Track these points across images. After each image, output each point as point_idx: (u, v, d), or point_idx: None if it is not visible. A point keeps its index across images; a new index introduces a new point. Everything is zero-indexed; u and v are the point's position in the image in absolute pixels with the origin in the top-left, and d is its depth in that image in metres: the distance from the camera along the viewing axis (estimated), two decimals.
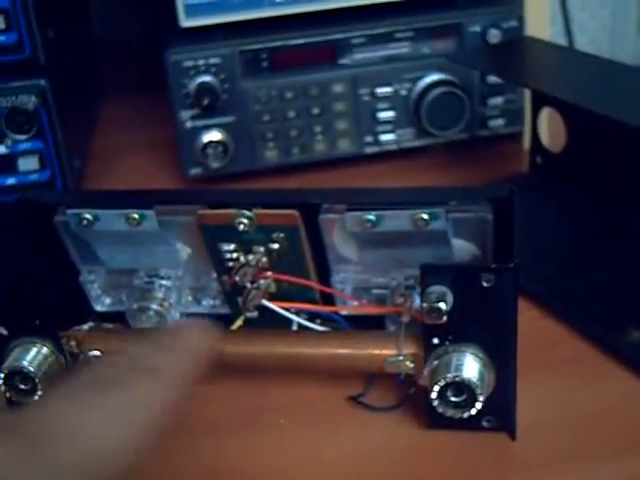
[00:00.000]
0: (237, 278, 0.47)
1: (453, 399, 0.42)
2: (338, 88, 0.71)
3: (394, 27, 0.71)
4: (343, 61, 0.71)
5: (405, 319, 0.44)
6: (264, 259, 0.47)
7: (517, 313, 0.41)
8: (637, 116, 0.52)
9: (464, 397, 0.42)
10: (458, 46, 0.71)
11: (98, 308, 0.51)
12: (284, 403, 0.48)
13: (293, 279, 0.47)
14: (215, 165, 0.71)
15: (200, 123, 0.70)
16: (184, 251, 0.48)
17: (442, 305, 0.41)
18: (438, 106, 0.71)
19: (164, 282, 0.49)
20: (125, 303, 0.50)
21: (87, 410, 0.36)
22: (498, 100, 0.73)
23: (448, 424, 0.44)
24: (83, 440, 0.34)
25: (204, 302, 0.50)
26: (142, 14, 1.00)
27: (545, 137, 0.68)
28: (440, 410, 0.43)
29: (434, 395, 0.42)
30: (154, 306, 0.48)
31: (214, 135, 0.70)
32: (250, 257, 0.47)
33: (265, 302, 0.47)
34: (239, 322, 0.48)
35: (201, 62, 0.68)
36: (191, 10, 0.69)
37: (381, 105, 0.72)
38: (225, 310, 0.50)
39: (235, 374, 0.49)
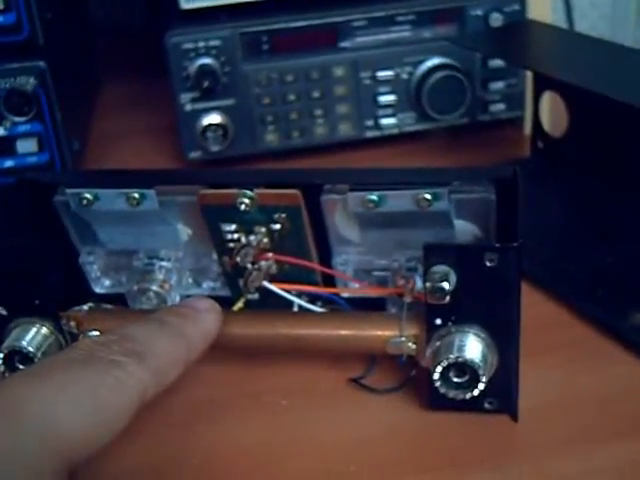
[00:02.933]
0: (238, 259, 0.46)
1: (455, 380, 0.42)
2: (339, 71, 0.71)
3: (395, 10, 0.70)
4: (344, 44, 0.71)
5: (407, 300, 0.44)
6: (265, 240, 0.46)
7: (520, 293, 0.41)
8: None
9: (466, 378, 0.42)
10: (460, 30, 0.71)
11: (97, 290, 0.50)
12: (285, 385, 0.48)
13: (294, 260, 0.47)
14: (215, 148, 0.70)
15: (200, 106, 0.70)
16: (185, 232, 0.48)
17: (445, 285, 0.41)
18: (439, 90, 0.70)
19: (164, 264, 0.49)
20: (125, 285, 0.49)
21: (61, 388, 0.35)
22: (499, 84, 0.73)
23: (450, 405, 0.43)
24: (50, 422, 0.34)
25: (204, 284, 0.50)
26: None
27: (546, 122, 0.67)
28: (442, 391, 0.42)
29: (436, 376, 0.42)
30: (154, 288, 0.48)
31: (214, 118, 0.70)
32: (251, 238, 0.46)
33: (266, 283, 0.47)
34: (240, 304, 0.47)
35: (201, 44, 0.68)
36: None
37: (382, 89, 0.71)
38: (226, 292, 0.49)
39: (235, 356, 0.49)
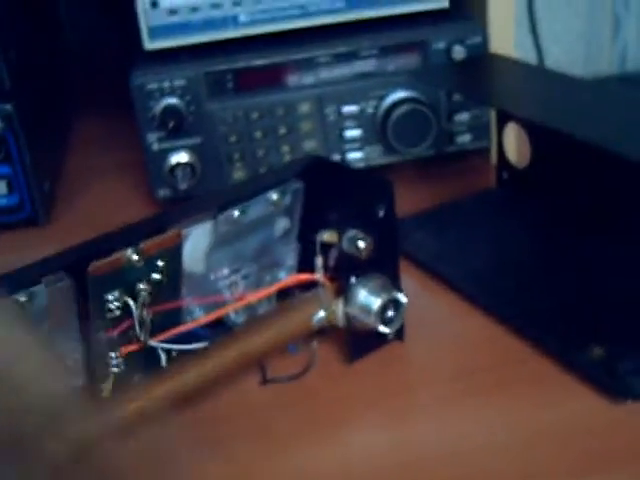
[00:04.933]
0: (124, 327, 0.46)
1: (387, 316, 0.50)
2: (304, 108, 0.71)
3: (358, 45, 0.71)
4: (308, 80, 0.71)
5: (321, 280, 0.51)
6: (147, 295, 0.46)
7: (398, 231, 0.51)
8: (600, 134, 0.52)
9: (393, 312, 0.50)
10: (423, 63, 0.71)
11: None
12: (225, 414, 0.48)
13: (173, 305, 0.48)
14: (183, 186, 0.71)
15: (167, 145, 0.70)
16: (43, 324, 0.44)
17: (361, 243, 0.48)
18: (404, 123, 0.71)
19: None
20: None
21: None
22: (464, 116, 0.73)
23: (366, 350, 0.51)
24: None
25: None
26: (114, 37, 1.01)
27: (512, 152, 0.68)
28: (381, 329, 0.50)
29: (373, 318, 0.49)
30: None
31: (182, 157, 0.70)
32: (131, 302, 0.46)
33: (153, 342, 0.46)
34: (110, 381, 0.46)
35: (166, 84, 0.69)
36: (155, 32, 0.69)
37: (348, 124, 0.72)
38: (80, 380, 0.46)
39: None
